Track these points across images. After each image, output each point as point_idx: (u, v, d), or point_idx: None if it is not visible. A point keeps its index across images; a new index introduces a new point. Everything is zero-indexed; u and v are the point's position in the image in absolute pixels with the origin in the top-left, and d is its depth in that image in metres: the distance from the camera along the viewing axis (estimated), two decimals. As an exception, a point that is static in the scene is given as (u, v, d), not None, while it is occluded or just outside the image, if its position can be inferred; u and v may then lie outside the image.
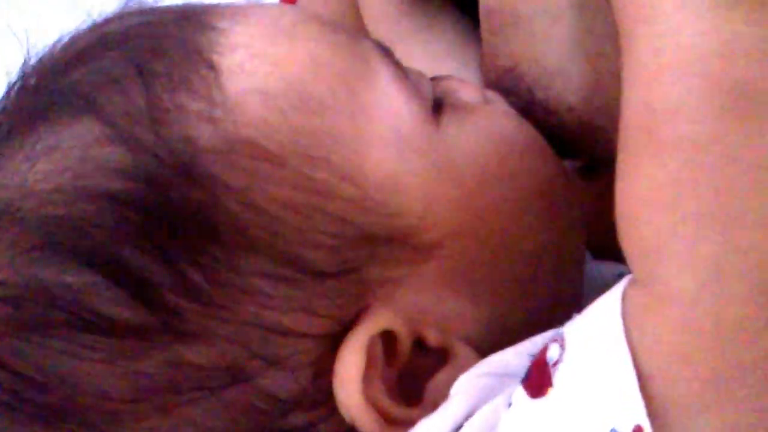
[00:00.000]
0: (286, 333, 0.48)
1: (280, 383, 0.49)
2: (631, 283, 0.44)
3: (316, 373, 0.49)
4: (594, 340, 0.44)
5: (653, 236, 0.43)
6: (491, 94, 0.59)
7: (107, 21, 0.53)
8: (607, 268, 0.60)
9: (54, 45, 0.53)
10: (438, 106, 0.54)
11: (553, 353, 0.45)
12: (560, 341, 0.45)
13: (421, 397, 0.50)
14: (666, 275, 0.42)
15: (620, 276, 0.57)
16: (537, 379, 0.45)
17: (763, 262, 0.41)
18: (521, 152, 0.55)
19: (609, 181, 0.64)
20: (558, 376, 0.44)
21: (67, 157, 0.48)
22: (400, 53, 0.66)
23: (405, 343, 0.50)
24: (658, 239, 0.42)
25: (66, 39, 0.52)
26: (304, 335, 0.48)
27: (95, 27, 0.53)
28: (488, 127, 0.55)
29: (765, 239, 0.41)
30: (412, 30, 0.72)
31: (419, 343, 0.51)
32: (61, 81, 0.50)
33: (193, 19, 0.52)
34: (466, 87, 0.59)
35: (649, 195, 0.43)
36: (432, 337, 0.51)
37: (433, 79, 0.57)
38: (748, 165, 0.41)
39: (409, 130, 0.52)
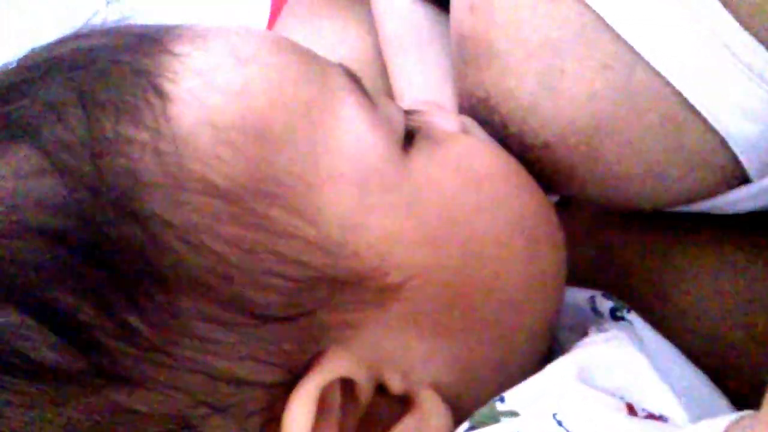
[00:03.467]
0: (231, 381, 0.45)
1: (226, 431, 0.46)
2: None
3: (267, 421, 0.46)
4: None
5: None
6: (470, 123, 0.56)
7: (60, 42, 0.50)
8: (582, 292, 0.58)
9: (2, 66, 0.50)
10: (410, 138, 0.51)
11: None
12: None
13: None
14: None
15: (593, 299, 0.55)
16: None
17: None
18: (496, 186, 0.52)
19: (582, 214, 0.62)
20: None
21: (1, 188, 0.45)
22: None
23: (365, 390, 0.47)
24: None
25: (15, 61, 0.49)
26: (252, 383, 0.46)
27: (46, 49, 0.50)
28: (462, 160, 0.52)
29: None
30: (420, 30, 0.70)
31: (383, 388, 0.48)
32: (2, 106, 0.47)
33: (149, 43, 0.49)
34: (445, 115, 0.56)
35: None
36: (395, 383, 0.48)
37: (407, 111, 0.54)
38: None
39: (373, 165, 0.49)
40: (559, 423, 0.44)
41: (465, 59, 0.56)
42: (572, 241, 0.62)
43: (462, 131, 0.55)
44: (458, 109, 0.58)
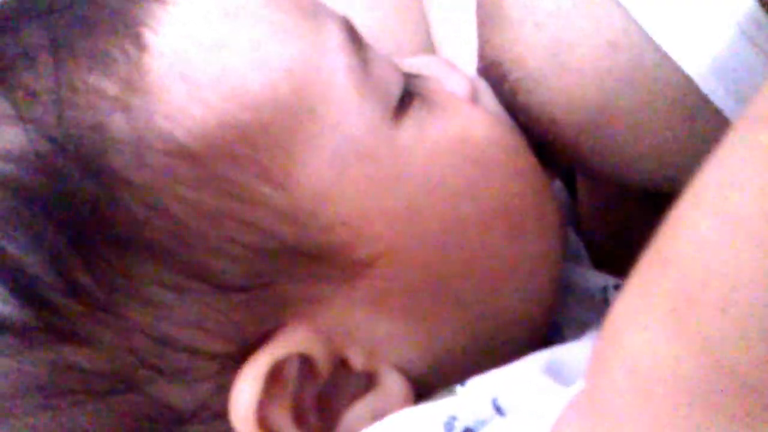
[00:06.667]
0: (179, 348, 0.45)
1: (175, 394, 0.45)
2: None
3: (218, 388, 0.45)
4: None
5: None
6: (483, 87, 0.53)
7: None
8: (597, 279, 0.55)
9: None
10: (407, 102, 0.49)
11: None
12: None
13: (336, 423, 0.47)
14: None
15: (605, 290, 0.53)
16: None
17: None
18: (490, 164, 0.49)
19: (602, 191, 0.60)
20: None
21: None
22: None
23: (324, 366, 0.46)
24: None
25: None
26: (201, 352, 0.45)
27: None
28: (458, 131, 0.50)
29: None
30: None
31: (347, 364, 0.47)
32: None
33: None
34: (457, 77, 0.53)
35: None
36: (357, 361, 0.47)
37: (412, 74, 0.51)
38: None
39: (356, 133, 0.47)
40: (498, 409, 0.43)
41: (482, 20, 0.53)
42: (591, 218, 0.60)
43: (470, 98, 0.52)
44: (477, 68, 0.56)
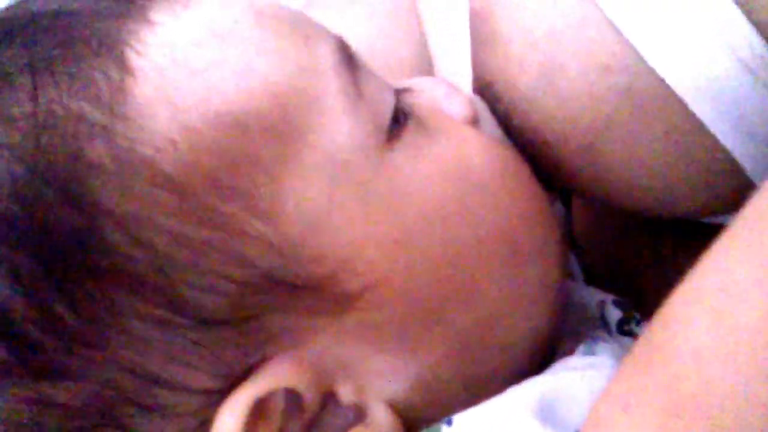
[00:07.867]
0: (161, 383, 0.43)
1: (158, 429, 0.44)
2: None
3: (202, 422, 0.44)
4: None
5: None
6: (482, 108, 0.51)
7: None
8: (593, 294, 0.54)
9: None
10: (402, 125, 0.47)
11: None
12: None
13: None
14: None
15: (602, 305, 0.52)
16: None
17: None
18: (488, 189, 0.48)
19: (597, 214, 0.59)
20: None
21: None
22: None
23: (311, 400, 0.45)
24: None
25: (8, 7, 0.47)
26: (183, 388, 0.43)
27: (17, 6, 0.47)
28: (455, 155, 0.48)
29: None
30: None
31: (335, 397, 0.45)
32: None
33: (131, 7, 0.45)
34: (456, 99, 0.51)
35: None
36: (345, 395, 0.45)
37: (410, 91, 0.50)
38: None
39: (347, 157, 0.45)
40: None
41: (475, 38, 0.52)
42: (585, 235, 0.59)
43: (471, 120, 0.50)
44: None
